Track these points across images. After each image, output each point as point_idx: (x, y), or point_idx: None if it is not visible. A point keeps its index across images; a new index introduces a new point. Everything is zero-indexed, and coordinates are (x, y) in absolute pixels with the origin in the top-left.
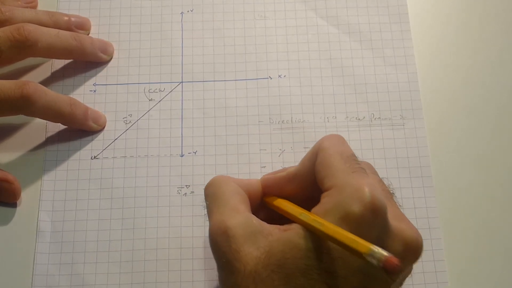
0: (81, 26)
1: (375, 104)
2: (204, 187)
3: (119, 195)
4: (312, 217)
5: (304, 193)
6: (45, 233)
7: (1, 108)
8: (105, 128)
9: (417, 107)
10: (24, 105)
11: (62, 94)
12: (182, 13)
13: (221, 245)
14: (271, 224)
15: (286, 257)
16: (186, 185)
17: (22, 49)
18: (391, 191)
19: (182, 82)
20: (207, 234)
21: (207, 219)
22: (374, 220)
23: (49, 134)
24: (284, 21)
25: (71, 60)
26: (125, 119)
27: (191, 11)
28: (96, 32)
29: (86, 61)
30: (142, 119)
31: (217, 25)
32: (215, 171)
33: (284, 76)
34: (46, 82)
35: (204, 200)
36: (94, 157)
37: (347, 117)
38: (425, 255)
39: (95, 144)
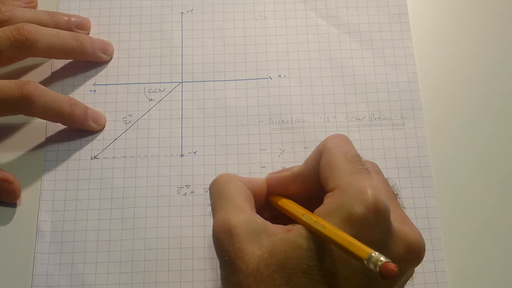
0: (81, 26)
1: (375, 104)
2: (203, 187)
3: (119, 195)
4: (314, 219)
5: (308, 192)
6: (45, 233)
7: (1, 108)
8: (105, 128)
9: (417, 107)
10: (24, 105)
11: (62, 94)
12: (182, 13)
13: (224, 243)
14: (275, 223)
15: (288, 257)
16: (186, 185)
17: (22, 49)
18: (396, 192)
19: (182, 82)
20: (207, 234)
21: (211, 216)
22: (376, 222)
23: (49, 134)
24: (284, 21)
25: (71, 60)
26: (125, 119)
27: (191, 11)
28: (96, 32)
29: (86, 61)
30: (142, 119)
31: (217, 25)
32: (215, 171)
33: (284, 76)
34: (46, 82)
35: (209, 198)
36: (94, 157)
37: (347, 117)
38: (425, 255)
39: (95, 144)
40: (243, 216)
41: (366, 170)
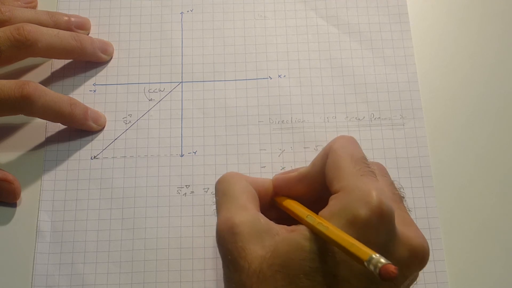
0: (81, 26)
1: (375, 104)
2: (203, 187)
3: (119, 195)
4: (317, 220)
5: (314, 194)
6: (45, 233)
7: (1, 107)
8: (105, 128)
9: (417, 107)
10: (24, 105)
11: (62, 94)
12: (182, 13)
13: (227, 242)
14: (280, 224)
15: (290, 257)
16: (186, 185)
17: (22, 49)
18: (402, 195)
19: (182, 82)
20: (207, 234)
21: (215, 215)
22: (380, 225)
23: (49, 134)
24: (284, 21)
25: (71, 60)
26: (125, 119)
27: (191, 11)
28: (96, 32)
29: (86, 61)
30: (142, 119)
31: (217, 25)
32: (215, 171)
33: (284, 76)
34: (46, 82)
35: (214, 195)
36: (94, 157)
37: (347, 117)
38: None
39: (95, 144)
40: (247, 215)
41: (371, 172)
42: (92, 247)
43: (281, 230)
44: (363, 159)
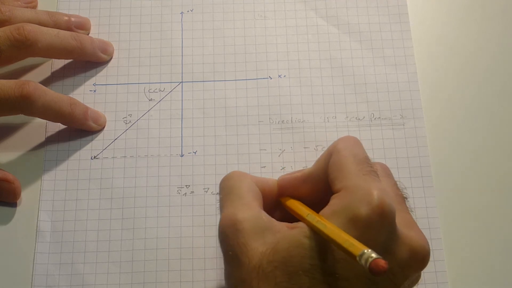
0: (81, 26)
1: (375, 104)
2: (203, 187)
3: (119, 195)
4: (317, 218)
5: (318, 194)
6: (45, 233)
7: (1, 107)
8: (105, 128)
9: (417, 107)
10: (24, 105)
11: (62, 94)
12: (182, 13)
13: (229, 238)
14: None
15: (290, 255)
16: (186, 185)
17: (22, 48)
18: (405, 195)
19: (182, 82)
20: (207, 234)
21: (219, 212)
22: (381, 225)
23: (49, 134)
24: (284, 21)
25: (71, 60)
26: (125, 119)
27: (191, 11)
28: (96, 32)
29: (86, 61)
30: (142, 119)
31: (217, 25)
32: (215, 171)
33: (284, 76)
34: (46, 82)
35: (219, 193)
36: (94, 157)
37: (347, 117)
38: None
39: (95, 144)
40: (250, 212)
41: (374, 172)
42: (92, 247)
43: (283, 227)
44: (366, 159)
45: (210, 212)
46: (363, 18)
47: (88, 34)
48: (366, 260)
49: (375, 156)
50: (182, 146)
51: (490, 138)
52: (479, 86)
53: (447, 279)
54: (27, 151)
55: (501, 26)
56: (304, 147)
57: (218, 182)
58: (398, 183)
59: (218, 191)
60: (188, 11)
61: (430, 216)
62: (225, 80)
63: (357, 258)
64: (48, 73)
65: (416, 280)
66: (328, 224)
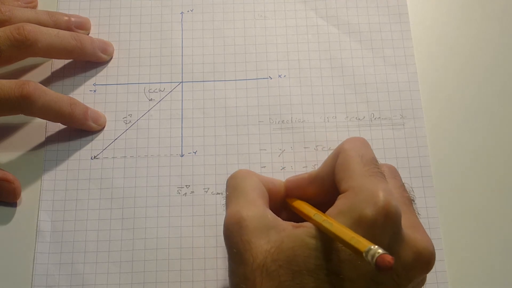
0: (81, 26)
1: (375, 104)
2: (203, 187)
3: (119, 195)
4: (324, 218)
5: (325, 195)
6: (45, 233)
7: (1, 107)
8: (105, 128)
9: (417, 107)
10: (24, 105)
11: (62, 94)
12: (182, 13)
13: (233, 235)
14: None
15: (295, 254)
16: (186, 185)
17: (22, 48)
18: (412, 198)
19: (182, 82)
20: (207, 234)
21: (219, 212)
22: (386, 226)
23: (49, 134)
24: (284, 21)
25: (71, 60)
26: (125, 119)
27: (191, 11)
28: (96, 32)
29: (86, 61)
30: (142, 119)
31: (217, 25)
32: (215, 171)
33: (284, 76)
34: (46, 82)
35: (225, 190)
36: (94, 157)
37: (347, 117)
38: None
39: (95, 144)
40: (255, 210)
41: (380, 173)
42: (92, 247)
43: (288, 226)
44: (373, 160)
45: (210, 212)
46: (363, 18)
47: (88, 34)
48: (373, 255)
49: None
50: (182, 146)
51: (490, 138)
52: (479, 86)
53: (447, 279)
54: (27, 151)
55: (501, 26)
56: (304, 147)
57: (218, 182)
58: (406, 185)
59: (218, 191)
60: (188, 11)
61: (430, 216)
62: (225, 80)
63: (364, 254)
64: (48, 73)
65: (421, 283)
66: (335, 222)
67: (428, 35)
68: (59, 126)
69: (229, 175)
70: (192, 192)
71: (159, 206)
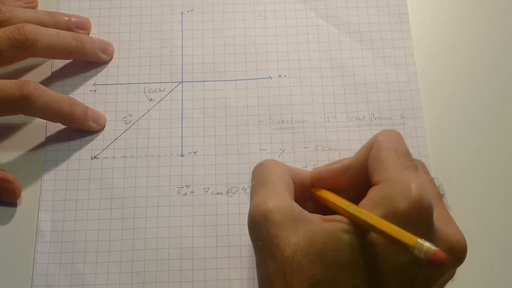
0: (81, 26)
1: (375, 104)
2: (203, 187)
3: (119, 195)
4: (359, 209)
5: (355, 187)
6: (45, 233)
7: (1, 107)
8: (105, 128)
9: (417, 107)
10: (24, 105)
11: (62, 94)
12: (182, 13)
13: (259, 227)
14: None
15: (327, 248)
16: (186, 185)
17: (22, 49)
18: (441, 192)
19: (182, 82)
20: (207, 234)
21: (249, 201)
22: (419, 219)
23: (49, 134)
24: (284, 21)
25: (71, 60)
26: (125, 119)
27: (191, 11)
28: (96, 32)
29: (86, 61)
30: (142, 119)
31: (217, 25)
32: (215, 171)
33: (284, 76)
34: (46, 82)
35: (251, 181)
36: (94, 157)
37: (347, 117)
38: None
39: (95, 144)
40: (281, 202)
41: (414, 167)
42: (92, 247)
43: (316, 219)
44: (407, 153)
45: (210, 212)
46: (363, 18)
47: (88, 34)
48: (426, 251)
49: None
50: (182, 146)
51: (490, 138)
52: (479, 86)
53: None
54: (27, 151)
55: (501, 26)
56: (304, 147)
57: (218, 182)
58: (435, 179)
59: (218, 191)
60: (188, 11)
61: None
62: (225, 80)
63: (413, 249)
64: (48, 73)
65: (450, 277)
66: (373, 215)
67: (428, 35)
68: (59, 126)
69: (229, 175)
70: (192, 192)
71: (159, 206)
